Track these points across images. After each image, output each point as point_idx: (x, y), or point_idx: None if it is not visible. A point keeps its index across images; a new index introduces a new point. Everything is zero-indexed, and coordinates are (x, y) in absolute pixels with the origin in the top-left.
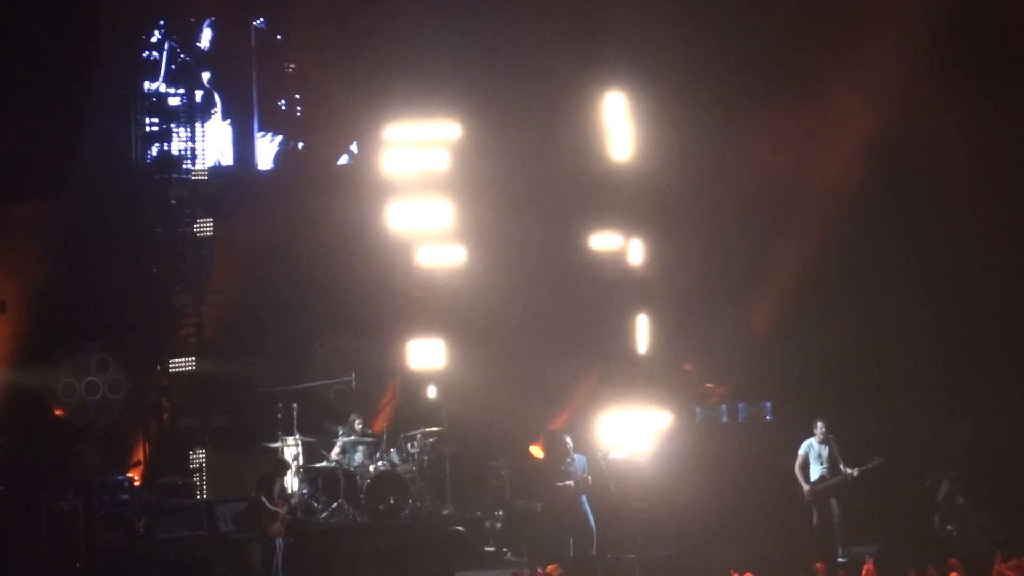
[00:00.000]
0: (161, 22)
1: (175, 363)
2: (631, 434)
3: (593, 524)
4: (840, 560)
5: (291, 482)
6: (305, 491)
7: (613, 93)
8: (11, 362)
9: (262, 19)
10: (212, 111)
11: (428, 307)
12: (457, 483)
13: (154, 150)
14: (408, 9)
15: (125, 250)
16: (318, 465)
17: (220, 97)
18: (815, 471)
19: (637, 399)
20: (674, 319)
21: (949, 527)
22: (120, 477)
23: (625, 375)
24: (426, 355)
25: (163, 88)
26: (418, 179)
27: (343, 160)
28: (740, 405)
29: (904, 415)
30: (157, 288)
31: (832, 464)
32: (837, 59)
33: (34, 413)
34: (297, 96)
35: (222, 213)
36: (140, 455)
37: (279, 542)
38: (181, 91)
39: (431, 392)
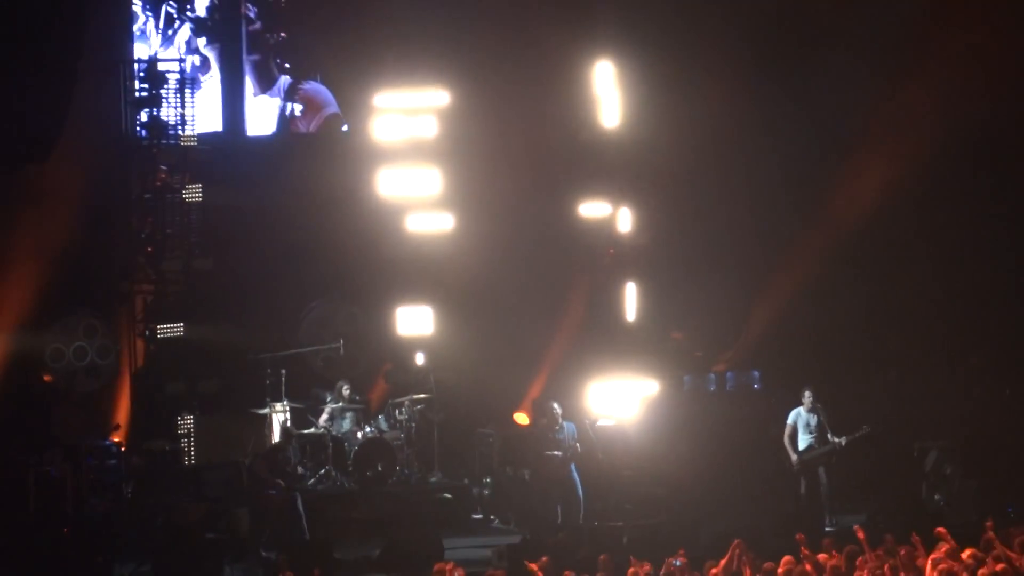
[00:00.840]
0: None
1: (163, 328)
2: (619, 402)
3: (581, 492)
4: (827, 529)
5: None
6: (292, 458)
7: (602, 61)
8: None
9: None
10: (207, 76)
11: (416, 274)
12: (445, 450)
13: (144, 115)
14: None
15: (114, 215)
16: (306, 432)
17: (218, 61)
18: (803, 440)
19: (625, 367)
20: (662, 287)
21: (937, 496)
22: (107, 442)
23: (613, 343)
24: (414, 322)
25: (157, 52)
26: (407, 146)
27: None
28: (728, 374)
29: (893, 384)
30: (145, 253)
31: (820, 433)
32: (831, 24)
33: (22, 378)
34: (288, 65)
35: (211, 179)
36: (122, 419)
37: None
38: (175, 58)
39: (419, 359)
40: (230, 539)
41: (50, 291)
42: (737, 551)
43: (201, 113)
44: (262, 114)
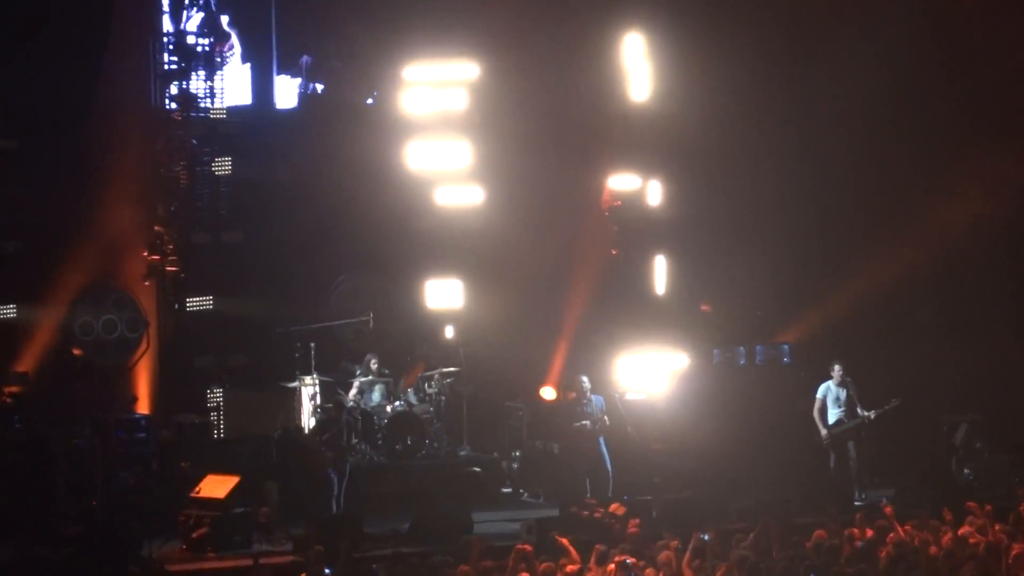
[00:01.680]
0: None
1: (193, 302)
2: (648, 376)
3: (610, 466)
4: (857, 504)
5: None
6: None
7: (632, 33)
8: (29, 301)
9: None
10: (230, 52)
11: (446, 247)
12: (474, 424)
13: (173, 89)
14: None
15: (143, 188)
16: (330, 405)
17: (239, 38)
18: (833, 414)
19: (654, 340)
20: (692, 260)
21: (966, 471)
22: (137, 415)
23: (643, 316)
24: (444, 295)
25: (186, 25)
26: (437, 119)
27: (368, 101)
28: (758, 347)
29: (922, 358)
30: (175, 226)
31: (850, 407)
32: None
33: (51, 351)
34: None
35: (240, 152)
36: (151, 392)
37: (333, 475)
38: (202, 30)
39: (448, 332)
40: (259, 513)
41: (79, 264)
42: (766, 525)
43: (230, 87)
44: (285, 91)
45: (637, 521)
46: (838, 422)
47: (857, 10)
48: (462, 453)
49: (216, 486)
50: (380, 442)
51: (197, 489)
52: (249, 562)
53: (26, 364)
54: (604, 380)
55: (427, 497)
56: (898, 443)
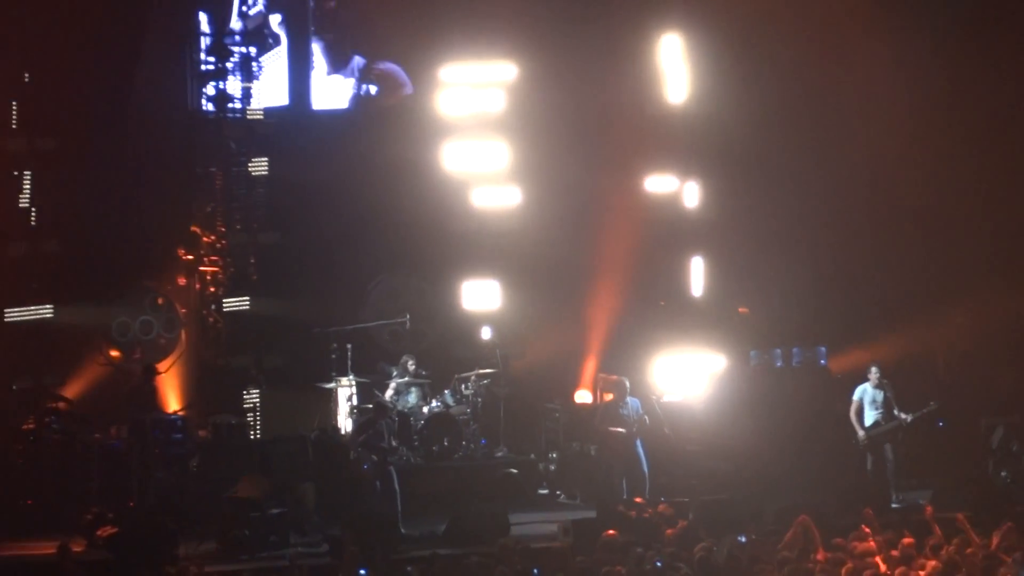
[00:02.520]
0: None
1: (229, 302)
2: (685, 377)
3: (646, 467)
4: (893, 506)
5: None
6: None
7: (670, 35)
8: (66, 301)
9: None
10: (275, 52)
11: (483, 248)
12: (511, 425)
13: (210, 89)
14: None
15: (180, 189)
16: (370, 406)
17: (287, 37)
18: (870, 416)
19: (692, 342)
20: (729, 262)
21: (1003, 473)
22: (173, 416)
23: (680, 318)
24: (481, 296)
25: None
26: (474, 120)
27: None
28: (795, 349)
29: (959, 360)
30: (212, 227)
31: (887, 409)
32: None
33: (88, 352)
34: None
35: (277, 153)
36: (187, 393)
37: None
38: (241, 31)
39: (485, 333)
40: (295, 513)
41: (116, 264)
42: (802, 527)
43: (267, 87)
44: (334, 92)
45: (683, 524)
46: (875, 424)
47: (894, 14)
48: (499, 454)
49: (250, 487)
50: (417, 443)
51: (234, 490)
52: (285, 563)
53: (63, 364)
54: (641, 382)
55: (464, 498)
56: (935, 445)
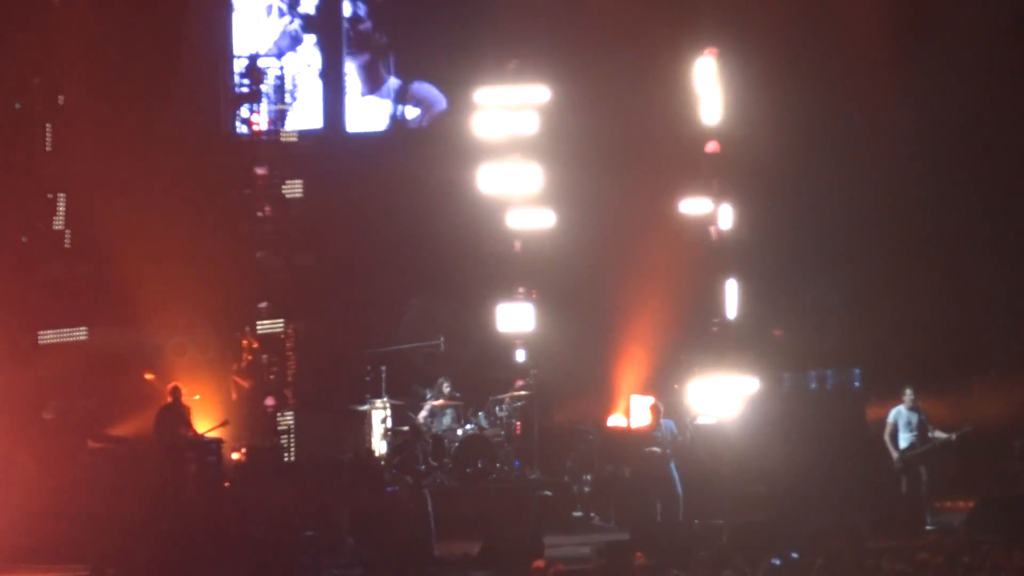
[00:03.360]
0: None
1: (263, 324)
2: (720, 399)
3: (680, 490)
4: (928, 528)
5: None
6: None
7: (704, 57)
8: (99, 323)
9: None
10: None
11: (518, 270)
12: (545, 447)
13: (244, 111)
14: None
15: (214, 210)
16: (406, 428)
17: (321, 58)
18: (904, 438)
19: (726, 364)
20: (764, 285)
21: None
22: (207, 439)
23: (714, 340)
24: (515, 318)
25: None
26: (508, 142)
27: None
28: (828, 372)
29: (993, 382)
30: (245, 249)
31: (921, 432)
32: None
33: (122, 374)
34: (396, 66)
35: (311, 175)
36: (222, 415)
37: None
38: (275, 53)
39: (520, 356)
40: (329, 536)
41: (149, 285)
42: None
43: (301, 110)
44: (369, 113)
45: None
46: (910, 446)
47: (932, 36)
48: (533, 477)
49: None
50: (451, 465)
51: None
52: None
53: (97, 387)
54: (675, 404)
55: (497, 521)
56: (970, 467)
